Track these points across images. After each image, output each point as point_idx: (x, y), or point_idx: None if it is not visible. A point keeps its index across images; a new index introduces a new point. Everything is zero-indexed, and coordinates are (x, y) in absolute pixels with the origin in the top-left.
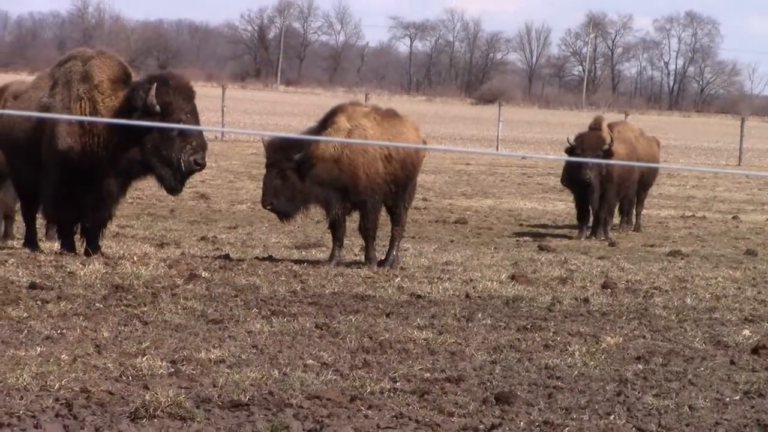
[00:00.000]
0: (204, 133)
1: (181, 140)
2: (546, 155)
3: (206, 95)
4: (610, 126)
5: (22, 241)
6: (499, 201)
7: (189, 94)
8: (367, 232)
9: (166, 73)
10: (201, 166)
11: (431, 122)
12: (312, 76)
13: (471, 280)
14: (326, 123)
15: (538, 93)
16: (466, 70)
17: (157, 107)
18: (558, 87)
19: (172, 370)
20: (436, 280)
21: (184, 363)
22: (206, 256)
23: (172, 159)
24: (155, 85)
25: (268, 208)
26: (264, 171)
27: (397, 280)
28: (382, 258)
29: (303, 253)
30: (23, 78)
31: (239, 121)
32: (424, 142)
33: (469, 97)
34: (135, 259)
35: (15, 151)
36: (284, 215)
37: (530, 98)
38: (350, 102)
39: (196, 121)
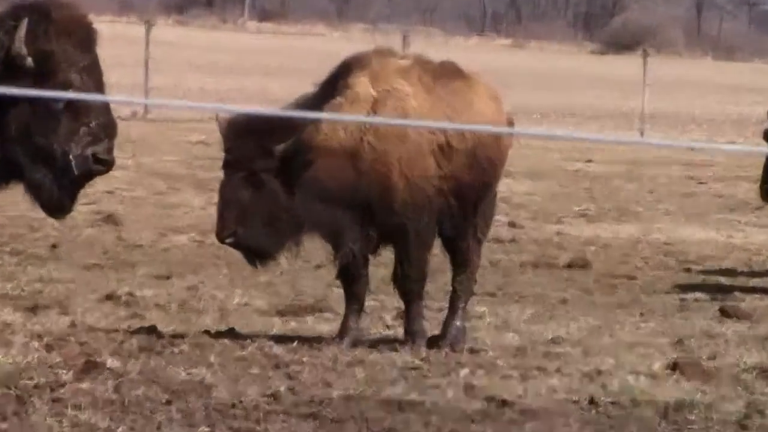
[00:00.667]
0: (112, 107)
1: (70, 119)
2: (729, 145)
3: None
4: None
5: None
6: (646, 227)
7: (85, 38)
8: (410, 284)
9: (46, 2)
10: (105, 164)
11: (522, 86)
12: (307, 3)
13: (598, 373)
14: (334, 88)
15: (711, 33)
16: None
17: (29, 59)
18: (747, 23)
19: None
20: (534, 372)
21: None
22: (116, 330)
23: (54, 152)
24: (26, 21)
25: (228, 241)
26: (221, 174)
27: (463, 374)
28: (437, 332)
29: (291, 323)
30: None
31: (178, 84)
32: (511, 123)
33: (589, 41)
34: None
35: None
36: (258, 254)
37: (699, 43)
38: (376, 50)
39: (98, 86)
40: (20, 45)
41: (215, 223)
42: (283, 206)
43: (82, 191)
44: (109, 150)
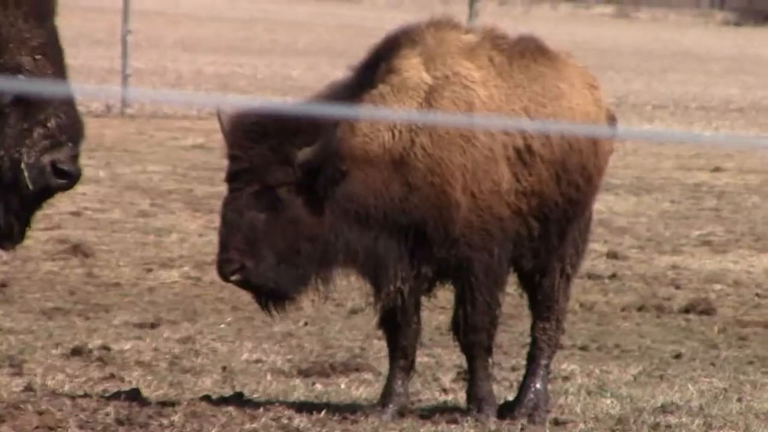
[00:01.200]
0: (79, 99)
1: (20, 117)
2: None
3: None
4: None
5: None
6: None
7: (39, 8)
8: (475, 335)
9: None
10: (69, 177)
11: (629, 69)
12: None
13: None
14: (375, 73)
15: None
16: None
17: None
18: None
19: None
20: None
21: None
22: (86, 395)
23: (9, 161)
24: None
25: (234, 278)
26: (224, 189)
27: None
28: (511, 398)
29: (318, 386)
30: None
31: (165, 68)
32: (613, 119)
33: (720, 9)
34: None
35: None
36: (273, 295)
37: None
38: (433, 21)
39: (58, 71)
40: None
41: (216, 255)
42: (307, 232)
43: (39, 213)
44: (74, 158)
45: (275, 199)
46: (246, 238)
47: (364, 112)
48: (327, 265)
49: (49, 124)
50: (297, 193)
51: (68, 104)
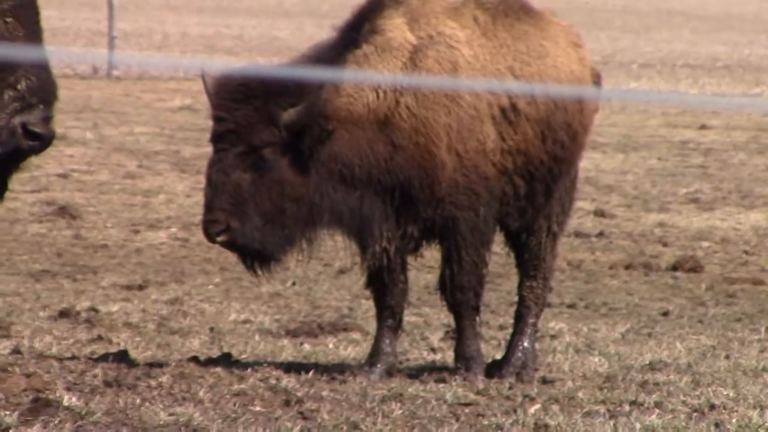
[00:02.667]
0: (64, 61)
1: None
2: None
3: None
4: None
5: None
6: None
7: None
8: (462, 293)
9: None
10: (40, 139)
11: (614, 27)
12: None
13: (711, 407)
14: (359, 33)
15: None
16: None
17: None
18: None
19: None
20: (627, 408)
21: None
22: (74, 357)
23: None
24: None
25: (220, 239)
26: (210, 150)
27: (533, 411)
28: (499, 357)
29: (306, 346)
30: None
31: (151, 29)
32: (598, 78)
33: None
34: None
35: None
36: (259, 256)
37: None
38: None
39: (31, 33)
40: None
41: (203, 216)
42: (293, 193)
43: (20, 174)
44: (46, 120)
45: (261, 160)
46: (231, 198)
47: (349, 74)
48: (313, 225)
49: (19, 86)
50: (282, 153)
51: (40, 66)
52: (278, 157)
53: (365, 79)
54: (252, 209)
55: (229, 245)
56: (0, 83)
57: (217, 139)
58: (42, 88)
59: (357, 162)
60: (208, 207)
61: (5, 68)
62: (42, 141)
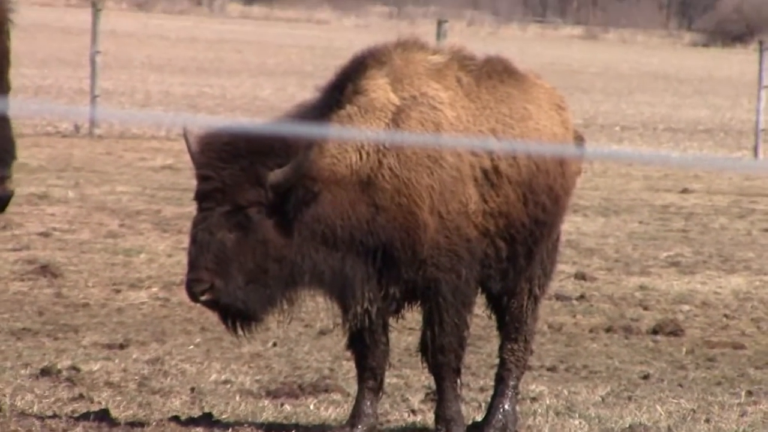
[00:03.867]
0: (42, 119)
1: None
2: None
3: (56, 25)
4: None
5: None
6: (760, 280)
7: None
8: (443, 355)
9: None
10: None
11: (597, 90)
12: None
13: None
14: (343, 94)
15: None
16: None
17: None
18: None
19: None
20: None
21: None
22: (55, 416)
23: None
24: None
25: (203, 299)
26: (193, 210)
27: None
28: (479, 419)
29: (286, 407)
30: None
31: (134, 88)
32: (580, 140)
33: (686, 30)
34: None
35: None
36: (241, 315)
37: None
38: (400, 42)
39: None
40: None
41: (186, 275)
42: (276, 253)
43: (4, 235)
44: (1, 179)
45: (246, 220)
46: (216, 258)
47: (333, 132)
48: (294, 285)
49: None
50: (267, 213)
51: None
52: (263, 217)
53: (349, 138)
54: (236, 269)
55: (213, 304)
56: None
57: (202, 197)
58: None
59: (339, 223)
60: (193, 265)
61: None
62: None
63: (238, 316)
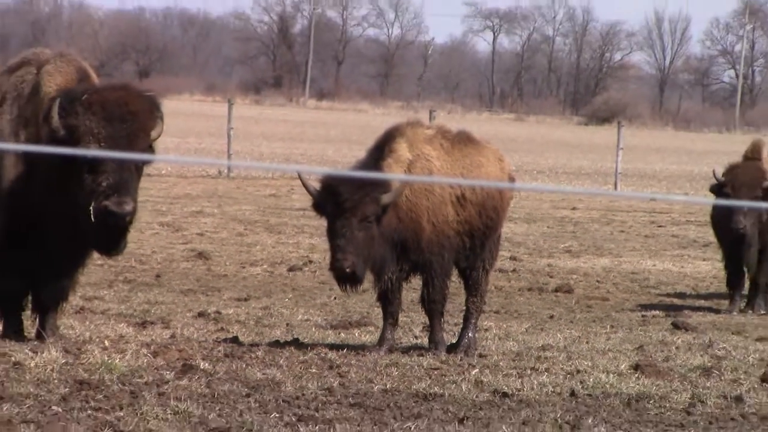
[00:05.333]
0: (203, 168)
1: (90, 179)
2: (683, 196)
3: (205, 114)
4: None
5: None
6: (617, 261)
7: (111, 115)
8: (433, 305)
9: (85, 86)
10: (114, 216)
11: (522, 150)
12: (354, 85)
13: (578, 372)
14: (382, 151)
15: (672, 108)
16: (572, 76)
17: (62, 131)
18: (700, 100)
19: None
20: (528, 371)
21: None
22: (206, 340)
23: (84, 204)
24: (59, 102)
25: (348, 271)
26: (328, 221)
27: (474, 372)
28: (453, 341)
29: (341, 334)
30: None
31: (253, 150)
32: (512, 179)
33: (575, 115)
34: (106, 344)
35: None
36: (356, 280)
37: (661, 116)
38: (409, 122)
39: (114, 151)
40: (53, 119)
41: (334, 258)
42: (375, 244)
43: (172, 234)
44: (118, 203)
45: (367, 225)
46: (353, 247)
47: (392, 176)
48: (372, 263)
49: (103, 184)
50: (375, 222)
51: (115, 170)
52: (374, 224)
53: (391, 178)
54: (361, 253)
55: (347, 274)
56: (93, 183)
57: (341, 211)
58: (117, 183)
59: (384, 228)
60: (342, 251)
61: (98, 173)
62: (116, 217)
63: (354, 281)
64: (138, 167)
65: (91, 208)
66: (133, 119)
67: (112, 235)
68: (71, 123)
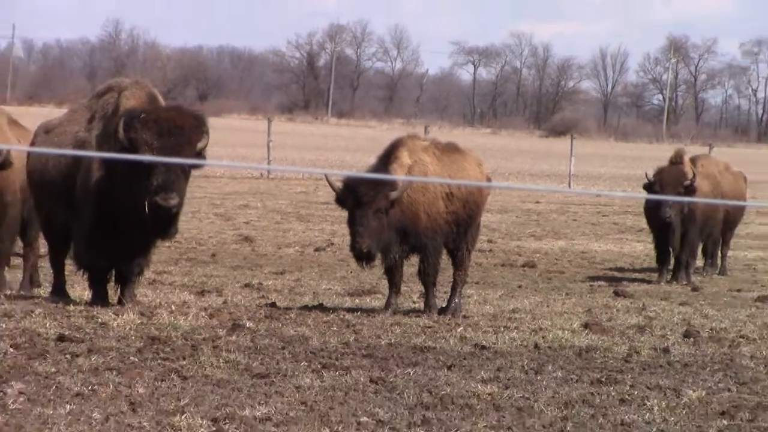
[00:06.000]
0: (246, 171)
1: (146, 179)
2: (622, 192)
3: (250, 129)
4: (693, 160)
5: (51, 289)
6: (571, 243)
7: (162, 129)
8: (427, 277)
9: (144, 107)
10: (162, 208)
11: (496, 157)
12: (366, 107)
13: (540, 329)
14: (389, 158)
15: (613, 124)
16: (535, 99)
17: (126, 142)
18: (636, 117)
19: (214, 429)
20: (502, 329)
21: (227, 421)
22: (250, 305)
23: (142, 199)
24: (123, 120)
25: (365, 251)
26: (348, 213)
27: (459, 330)
28: (443, 306)
29: (356, 300)
30: (48, 111)
31: (287, 157)
32: (489, 179)
33: (538, 130)
34: (173, 308)
35: (46, 189)
36: (371, 258)
37: (605, 130)
38: (409, 135)
39: (165, 157)
40: (121, 134)
41: (353, 240)
42: (386, 230)
43: (224, 223)
44: (165, 198)
45: (380, 215)
46: (369, 232)
47: (398, 177)
48: (383, 245)
49: (155, 183)
50: (385, 213)
51: (164, 172)
52: (384, 214)
53: (396, 179)
54: (375, 238)
55: (364, 253)
56: (149, 181)
57: (360, 204)
58: (165, 183)
59: (391, 218)
60: (360, 236)
61: (151, 174)
62: (164, 210)
63: (368, 259)
64: (185, 171)
65: (146, 202)
66: (180, 133)
67: (162, 224)
68: (131, 136)
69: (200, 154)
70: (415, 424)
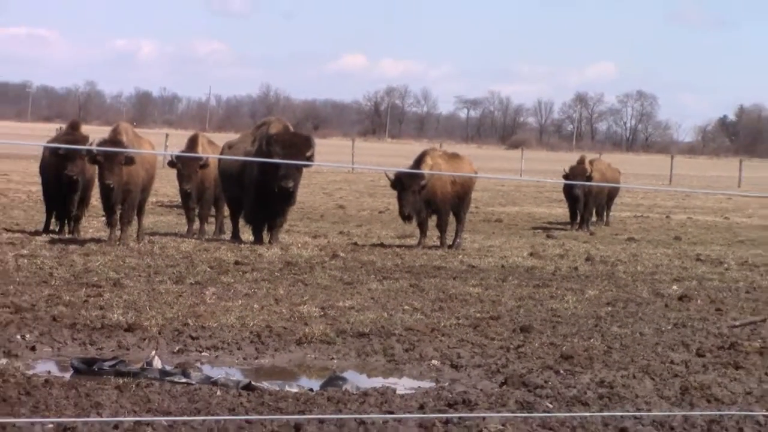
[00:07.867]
0: (298, 168)
1: (277, 172)
2: (551, 180)
3: (342, 145)
4: (590, 161)
5: (230, 235)
6: (522, 208)
7: (284, 144)
8: (441, 227)
9: (277, 132)
10: (283, 189)
11: (480, 160)
12: (407, 132)
13: (504, 257)
14: (420, 161)
15: (546, 141)
16: (502, 128)
17: (268, 152)
18: (558, 138)
19: (322, 314)
20: (483, 256)
21: (330, 309)
22: (342, 243)
23: (274, 183)
24: (266, 140)
25: (406, 214)
26: (397, 192)
27: (459, 257)
28: (450, 243)
29: (402, 240)
30: (230, 136)
31: (363, 160)
32: (476, 172)
33: (503, 145)
34: (299, 245)
35: (230, 180)
36: (411, 219)
37: (541, 145)
38: (431, 148)
39: (290, 159)
40: (264, 147)
41: (400, 208)
42: (418, 203)
43: (328, 197)
44: (285, 183)
45: (417, 194)
46: (410, 206)
47: (425, 172)
48: (416, 211)
49: (279, 174)
50: (417, 193)
51: (286, 168)
52: (418, 193)
53: (424, 173)
54: (413, 209)
55: (406, 216)
56: (278, 173)
57: (404, 189)
58: (285, 175)
59: (422, 195)
60: (405, 207)
61: (279, 168)
62: (285, 190)
63: (409, 219)
64: (299, 169)
65: (275, 185)
66: (295, 146)
67: (285, 198)
68: (270, 148)
69: (309, 159)
70: (435, 310)
